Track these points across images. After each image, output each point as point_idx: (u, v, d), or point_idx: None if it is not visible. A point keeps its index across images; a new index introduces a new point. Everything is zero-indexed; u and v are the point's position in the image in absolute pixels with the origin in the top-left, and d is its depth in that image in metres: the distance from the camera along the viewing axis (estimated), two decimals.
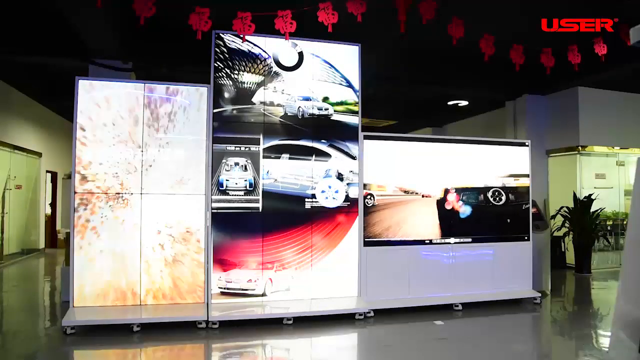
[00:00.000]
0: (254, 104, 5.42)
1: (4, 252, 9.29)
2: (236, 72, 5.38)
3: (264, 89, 5.46)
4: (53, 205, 12.31)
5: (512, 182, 6.31)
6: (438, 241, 5.95)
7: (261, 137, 5.40)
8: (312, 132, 5.57)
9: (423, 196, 5.91)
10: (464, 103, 10.57)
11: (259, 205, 5.34)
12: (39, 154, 11.00)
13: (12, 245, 9.71)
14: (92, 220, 4.95)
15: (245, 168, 5.33)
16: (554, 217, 8.44)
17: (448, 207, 6.00)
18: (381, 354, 4.44)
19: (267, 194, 5.36)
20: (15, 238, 9.94)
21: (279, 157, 5.43)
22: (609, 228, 9.43)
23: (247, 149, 5.36)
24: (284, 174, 5.44)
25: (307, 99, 5.58)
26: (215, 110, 5.28)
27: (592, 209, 8.31)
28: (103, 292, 4.93)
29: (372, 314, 5.41)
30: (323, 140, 5.59)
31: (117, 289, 4.97)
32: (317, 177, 5.54)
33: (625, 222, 9.08)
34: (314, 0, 4.55)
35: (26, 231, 10.57)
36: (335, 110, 5.67)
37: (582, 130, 8.75)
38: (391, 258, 5.73)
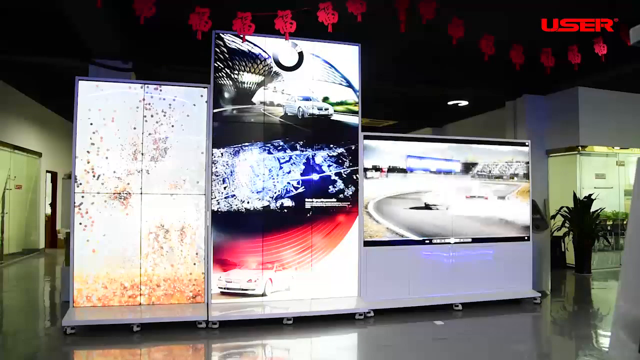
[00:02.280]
0: (254, 104, 5.42)
1: (4, 252, 9.29)
2: (236, 72, 5.38)
3: (264, 89, 5.46)
4: (53, 205, 12.31)
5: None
6: (438, 241, 5.96)
7: (261, 137, 5.41)
8: (312, 132, 5.57)
9: None
10: (464, 103, 10.58)
11: (259, 205, 5.34)
12: (39, 154, 11.01)
13: (12, 245, 9.71)
14: (93, 219, 4.96)
15: None
16: (554, 217, 8.44)
17: None
18: (381, 354, 4.44)
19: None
20: (15, 238, 9.95)
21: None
22: (609, 228, 9.42)
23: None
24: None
25: (307, 99, 5.59)
26: (215, 110, 5.28)
27: (592, 209, 8.31)
28: (103, 285, 4.94)
29: (372, 314, 5.41)
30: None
31: (116, 284, 4.98)
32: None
33: (625, 222, 9.09)
34: (314, 0, 4.55)
35: (26, 231, 10.57)
36: (335, 110, 5.67)
37: (582, 130, 8.75)
38: (391, 258, 5.73)
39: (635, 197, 1.84)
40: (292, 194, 5.45)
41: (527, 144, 6.51)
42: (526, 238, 6.33)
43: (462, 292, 5.92)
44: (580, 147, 8.80)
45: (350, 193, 5.62)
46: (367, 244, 5.64)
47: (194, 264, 5.17)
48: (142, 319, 4.78)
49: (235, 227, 5.28)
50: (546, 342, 5.28)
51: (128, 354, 4.40)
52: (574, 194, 8.48)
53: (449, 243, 6.00)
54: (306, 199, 5.49)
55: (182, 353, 4.50)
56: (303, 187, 5.49)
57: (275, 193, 5.40)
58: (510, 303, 6.10)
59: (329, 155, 5.60)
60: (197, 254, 5.19)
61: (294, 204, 5.44)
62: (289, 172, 5.46)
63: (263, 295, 5.28)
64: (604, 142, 9.04)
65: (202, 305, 5.10)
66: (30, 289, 7.60)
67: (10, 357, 4.18)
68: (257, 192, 5.34)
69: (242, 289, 5.24)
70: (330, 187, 5.58)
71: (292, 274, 5.42)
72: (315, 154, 5.55)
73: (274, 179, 5.41)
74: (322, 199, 5.53)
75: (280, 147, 5.46)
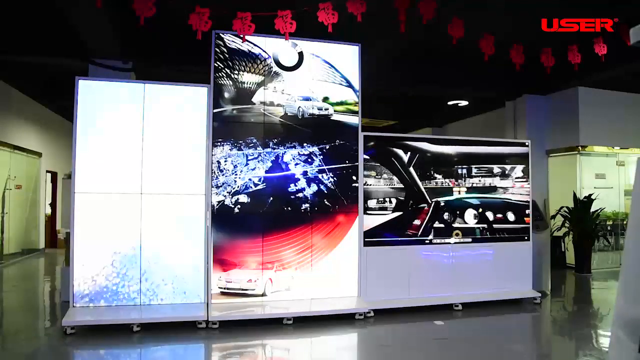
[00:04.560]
0: (254, 104, 5.42)
1: (4, 252, 9.28)
2: (236, 72, 5.38)
3: (264, 89, 5.46)
4: (53, 205, 12.31)
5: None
6: (438, 241, 5.96)
7: (262, 137, 5.41)
8: (312, 132, 5.57)
9: None
10: (464, 103, 10.58)
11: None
12: (39, 154, 11.00)
13: (12, 245, 9.71)
14: (93, 219, 4.96)
15: None
16: (554, 217, 8.44)
17: None
18: (381, 354, 4.44)
19: None
20: (15, 238, 9.94)
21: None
22: (609, 228, 9.41)
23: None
24: None
25: (307, 99, 5.59)
26: (215, 110, 5.28)
27: (592, 209, 8.30)
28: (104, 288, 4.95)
29: (372, 314, 5.41)
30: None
31: (117, 287, 4.98)
32: None
33: (625, 222, 9.08)
34: (314, 0, 4.55)
35: (26, 231, 10.57)
36: (335, 110, 5.67)
37: (582, 130, 8.74)
38: (391, 258, 5.73)
39: (635, 197, 1.84)
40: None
41: (527, 144, 6.51)
42: (526, 238, 6.33)
43: (462, 292, 5.92)
44: (580, 147, 8.80)
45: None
46: (367, 244, 5.64)
47: (194, 264, 5.17)
48: (142, 318, 4.78)
49: (235, 227, 5.28)
50: (546, 342, 5.28)
51: (128, 354, 4.40)
52: (574, 194, 8.47)
53: (449, 243, 6.00)
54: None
55: (182, 353, 4.50)
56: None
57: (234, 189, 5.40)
58: (510, 303, 6.09)
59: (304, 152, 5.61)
60: (196, 253, 5.19)
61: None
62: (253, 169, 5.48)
63: (263, 295, 5.28)
64: (604, 142, 9.03)
65: (202, 305, 5.10)
66: (30, 289, 7.60)
67: (11, 357, 4.18)
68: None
69: (242, 289, 5.24)
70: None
71: (292, 274, 5.42)
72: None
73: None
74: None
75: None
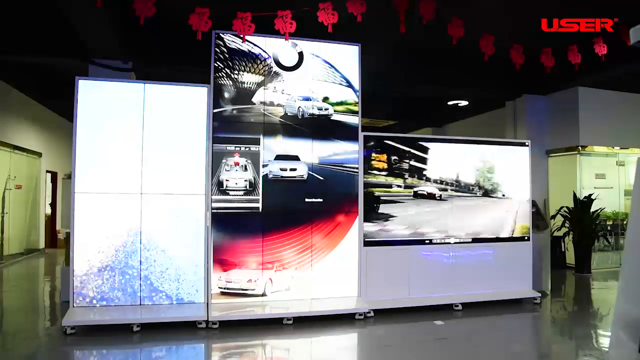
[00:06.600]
0: (254, 104, 5.42)
1: (5, 252, 9.29)
2: (236, 72, 5.38)
3: (264, 89, 5.46)
4: (53, 205, 12.31)
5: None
6: (438, 241, 5.96)
7: (261, 137, 5.41)
8: (312, 132, 5.57)
9: None
10: (464, 103, 10.58)
11: (259, 205, 5.34)
12: (39, 154, 11.00)
13: (12, 245, 9.71)
14: (93, 219, 4.96)
15: (245, 168, 5.33)
16: (554, 217, 8.44)
17: None
18: (381, 354, 4.44)
19: None
20: (16, 238, 9.94)
21: None
22: (609, 228, 9.42)
23: (247, 149, 5.36)
24: None
25: (307, 99, 5.58)
26: (215, 110, 5.28)
27: (592, 209, 8.31)
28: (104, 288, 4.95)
29: (372, 314, 5.41)
30: None
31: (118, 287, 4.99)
32: None
33: (625, 222, 9.09)
34: (314, 0, 4.55)
35: (26, 231, 10.57)
36: (335, 110, 5.67)
37: (582, 130, 8.75)
38: (391, 258, 5.73)
39: (635, 198, 1.84)
40: None
41: (527, 144, 6.51)
42: (526, 238, 6.33)
43: (462, 292, 5.92)
44: (580, 147, 8.80)
45: None
46: (367, 244, 5.64)
47: (194, 264, 5.18)
48: (142, 318, 4.78)
49: (235, 227, 5.28)
50: (546, 342, 5.28)
51: (128, 354, 4.40)
52: (574, 194, 8.48)
53: (449, 243, 6.00)
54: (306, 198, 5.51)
55: (182, 353, 4.50)
56: None
57: None
58: (510, 303, 6.09)
59: None
60: (196, 253, 5.19)
61: None
62: None
63: (263, 295, 5.28)
64: (604, 142, 9.03)
65: (202, 305, 5.10)
66: (30, 289, 7.60)
67: (11, 357, 4.18)
68: None
69: (242, 289, 5.24)
70: None
71: (292, 274, 5.42)
72: None
73: None
74: None
75: None
